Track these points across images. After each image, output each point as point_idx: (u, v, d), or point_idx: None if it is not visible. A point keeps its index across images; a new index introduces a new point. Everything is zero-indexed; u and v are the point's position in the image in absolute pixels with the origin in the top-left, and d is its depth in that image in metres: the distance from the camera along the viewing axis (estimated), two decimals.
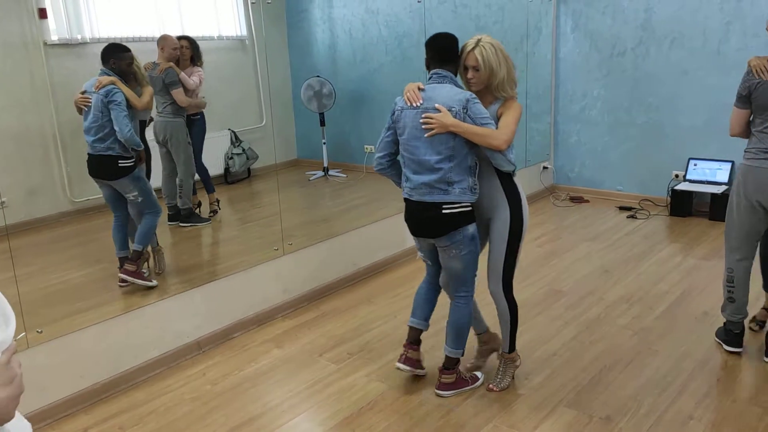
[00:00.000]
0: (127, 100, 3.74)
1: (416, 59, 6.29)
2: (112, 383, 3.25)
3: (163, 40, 4.70)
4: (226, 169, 6.15)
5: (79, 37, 4.88)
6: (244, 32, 6.26)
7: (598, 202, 6.27)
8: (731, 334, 3.37)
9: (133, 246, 3.90)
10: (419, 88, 2.82)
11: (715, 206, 5.49)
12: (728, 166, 5.57)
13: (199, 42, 5.08)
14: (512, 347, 3.12)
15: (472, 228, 2.86)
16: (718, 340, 3.45)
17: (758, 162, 3.13)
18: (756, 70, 3.10)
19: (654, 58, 5.82)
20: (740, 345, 3.36)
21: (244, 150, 6.16)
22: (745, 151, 3.21)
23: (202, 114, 5.09)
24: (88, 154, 3.83)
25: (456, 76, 2.88)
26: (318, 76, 6.78)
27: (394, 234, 4.92)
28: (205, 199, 5.17)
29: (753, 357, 3.31)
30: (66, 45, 4.82)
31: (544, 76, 6.52)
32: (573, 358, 3.38)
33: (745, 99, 3.17)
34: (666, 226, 5.51)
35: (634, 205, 6.00)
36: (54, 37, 4.73)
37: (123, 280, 3.85)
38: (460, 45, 2.88)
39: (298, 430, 2.91)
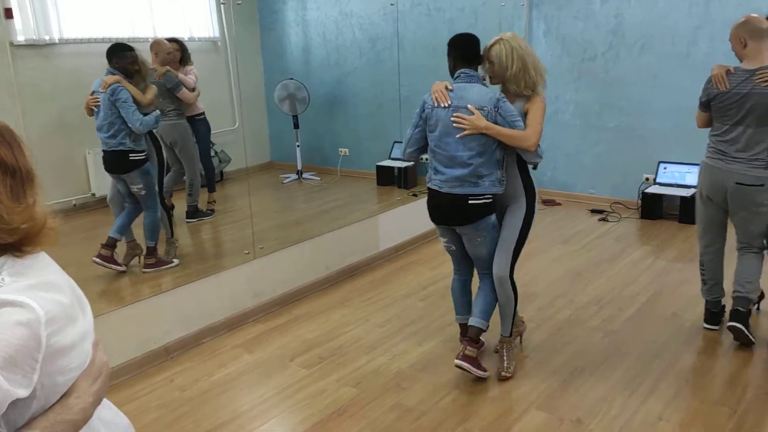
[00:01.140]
0: (132, 96, 3.95)
1: (390, 62, 6.32)
2: None
3: (157, 45, 4.70)
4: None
5: (46, 37, 4.79)
6: (217, 33, 6.20)
7: (570, 205, 6.32)
8: (708, 313, 3.63)
9: (147, 243, 4.23)
10: (447, 88, 2.93)
11: (685, 209, 5.55)
12: (697, 169, 5.62)
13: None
14: (511, 331, 3.27)
15: (493, 217, 3.07)
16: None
17: (712, 161, 3.38)
18: (715, 80, 3.23)
19: (624, 62, 5.88)
20: (717, 324, 3.61)
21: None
22: (706, 148, 3.43)
23: (204, 113, 5.19)
24: (103, 150, 4.06)
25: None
26: (292, 78, 6.74)
27: (368, 237, 4.90)
28: (181, 201, 5.16)
29: (721, 358, 3.35)
30: (33, 46, 4.73)
31: None
32: (544, 361, 3.38)
33: (705, 104, 3.39)
34: (637, 229, 5.56)
35: (606, 208, 6.05)
36: (20, 38, 4.64)
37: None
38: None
39: None
